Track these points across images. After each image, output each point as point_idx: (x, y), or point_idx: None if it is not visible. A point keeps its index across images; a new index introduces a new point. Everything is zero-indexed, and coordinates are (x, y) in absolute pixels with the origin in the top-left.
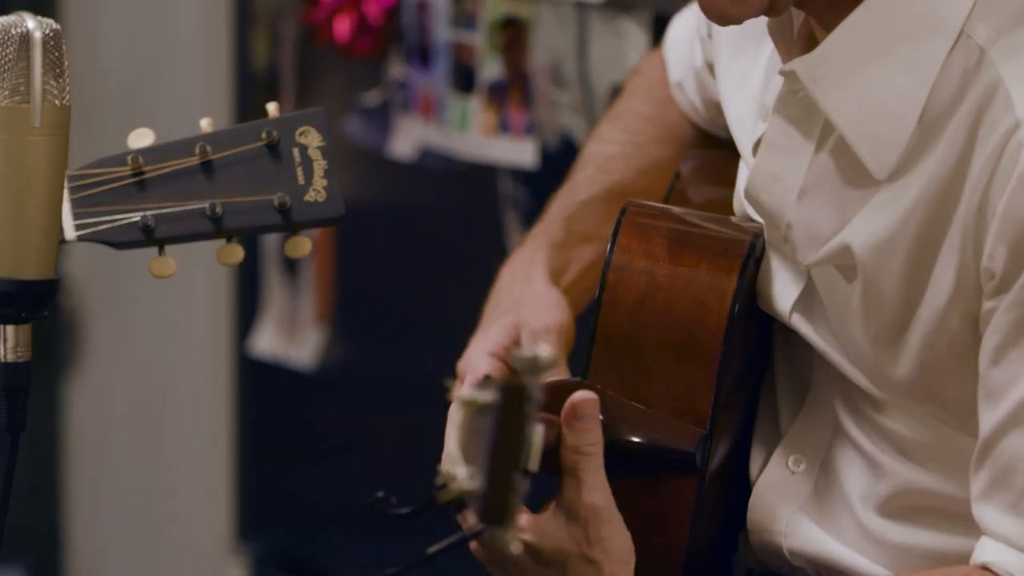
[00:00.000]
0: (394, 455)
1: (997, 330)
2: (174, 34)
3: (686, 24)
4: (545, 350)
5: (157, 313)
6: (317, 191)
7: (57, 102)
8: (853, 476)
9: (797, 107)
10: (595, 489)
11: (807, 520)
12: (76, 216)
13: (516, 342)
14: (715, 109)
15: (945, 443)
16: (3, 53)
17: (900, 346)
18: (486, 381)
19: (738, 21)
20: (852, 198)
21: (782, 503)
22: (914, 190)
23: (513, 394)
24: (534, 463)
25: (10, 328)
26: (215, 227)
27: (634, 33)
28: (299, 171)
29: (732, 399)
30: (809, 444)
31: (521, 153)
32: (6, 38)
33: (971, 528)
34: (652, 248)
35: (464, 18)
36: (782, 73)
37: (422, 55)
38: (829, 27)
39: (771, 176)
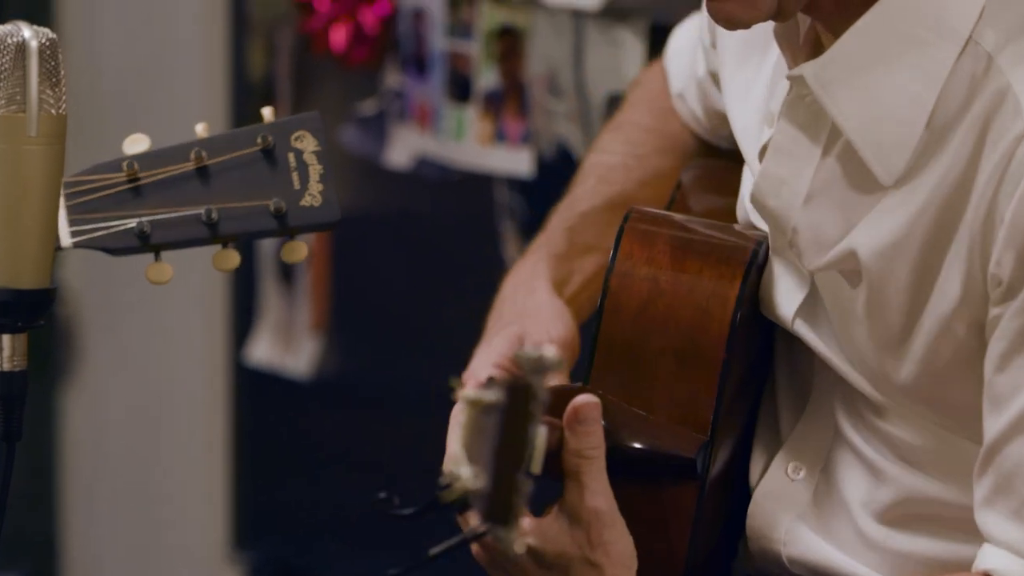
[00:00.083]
0: (390, 463)
1: (1003, 337)
2: (171, 43)
3: (687, 35)
4: (551, 350)
5: (153, 322)
6: (313, 196)
7: (53, 111)
8: (853, 483)
9: (804, 112)
10: (597, 493)
11: (806, 528)
12: (72, 223)
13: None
14: (717, 119)
15: (947, 448)
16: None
17: (904, 351)
18: (490, 382)
19: (746, 25)
20: (858, 203)
21: (781, 511)
22: (921, 196)
23: (519, 393)
24: (537, 465)
25: (6, 337)
26: (211, 233)
27: (630, 42)
28: (295, 176)
29: (734, 406)
30: (809, 451)
31: (517, 162)
32: (2, 47)
33: (972, 535)
34: (655, 255)
35: (460, 27)
36: (789, 78)
37: (418, 64)
38: (836, 32)
39: (778, 180)
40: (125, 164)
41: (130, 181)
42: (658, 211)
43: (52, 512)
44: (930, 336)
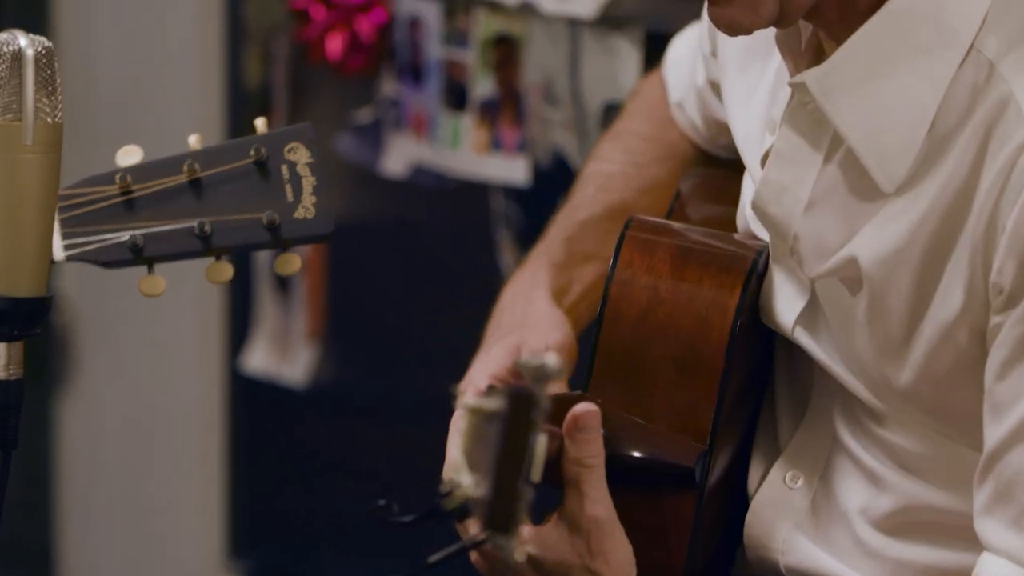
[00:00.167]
0: (386, 472)
1: (1004, 345)
2: (167, 51)
3: (686, 44)
4: (552, 359)
5: (149, 330)
6: (306, 208)
7: (49, 120)
8: (852, 491)
9: (806, 119)
10: (597, 501)
11: (803, 537)
12: (64, 236)
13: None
14: (716, 128)
15: (946, 455)
16: None
17: (904, 358)
18: (491, 390)
19: (747, 31)
20: (860, 210)
21: (779, 519)
22: (923, 204)
23: (521, 402)
24: (537, 473)
25: (2, 345)
26: (204, 246)
27: (626, 51)
28: (288, 188)
29: (733, 414)
30: (807, 459)
31: (513, 170)
32: None
33: (972, 543)
34: (655, 263)
35: (456, 35)
36: (791, 85)
37: (414, 73)
38: (839, 39)
39: (779, 187)
40: (118, 177)
41: (123, 194)
42: (658, 220)
43: (48, 520)
44: (931, 343)
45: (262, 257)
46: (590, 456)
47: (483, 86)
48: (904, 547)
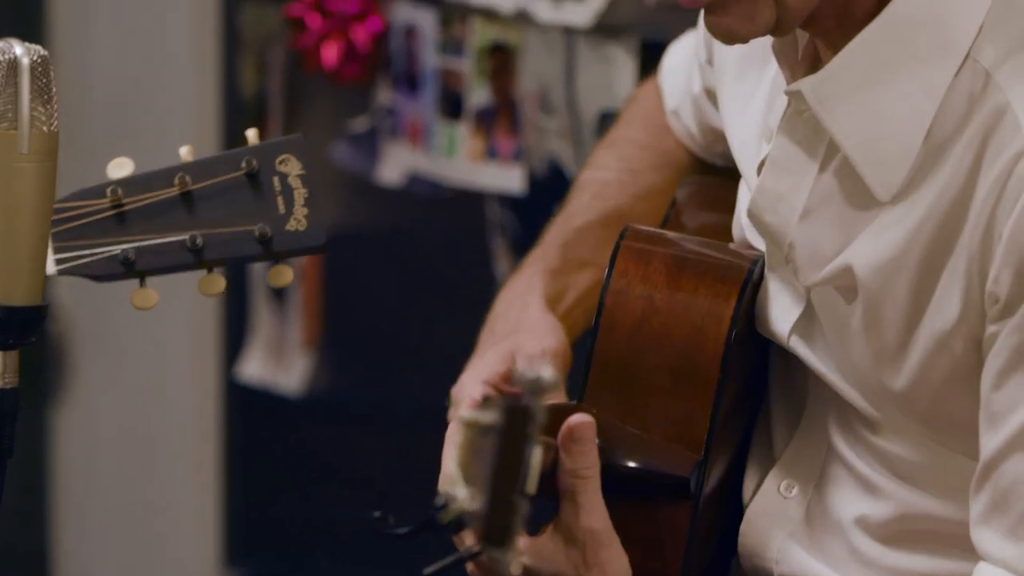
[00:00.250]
0: (382, 480)
1: (1000, 354)
2: (162, 60)
3: (682, 52)
4: (548, 371)
5: (144, 339)
6: (298, 220)
7: (45, 128)
8: (847, 500)
9: (802, 127)
10: (593, 512)
11: (798, 547)
12: (56, 250)
13: (512, 368)
14: (712, 136)
15: (942, 464)
16: None
17: (900, 367)
18: (487, 402)
19: (744, 40)
20: (855, 219)
21: (773, 529)
22: (918, 212)
23: (516, 415)
24: (532, 485)
25: None
26: (196, 259)
27: (622, 59)
28: (279, 200)
29: (728, 424)
30: (802, 468)
31: (509, 179)
32: None
33: (967, 552)
34: (650, 273)
35: (452, 44)
36: (787, 93)
37: (410, 81)
38: (835, 48)
39: (775, 196)
40: (109, 190)
41: (114, 207)
42: (654, 229)
43: (44, 529)
44: (926, 352)
45: (258, 266)
46: (585, 467)
47: (479, 95)
48: (899, 556)
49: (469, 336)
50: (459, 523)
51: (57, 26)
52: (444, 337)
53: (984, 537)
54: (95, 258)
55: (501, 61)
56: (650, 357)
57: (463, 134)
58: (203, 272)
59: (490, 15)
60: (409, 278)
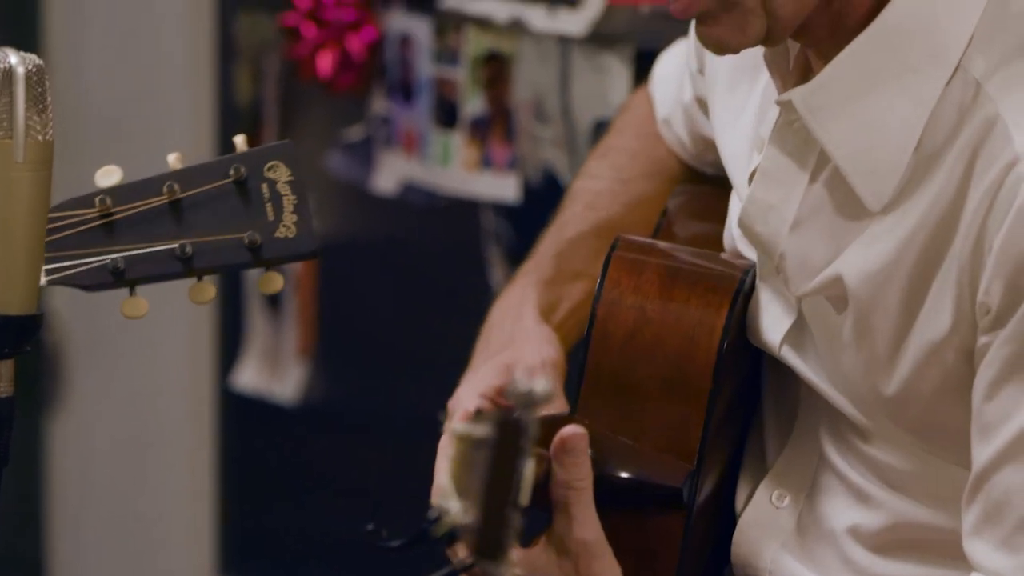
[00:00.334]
0: (377, 489)
1: (991, 365)
2: (157, 68)
3: (674, 60)
4: (541, 384)
5: (139, 347)
6: (287, 227)
7: (40, 137)
8: (839, 510)
9: (792, 137)
10: (585, 524)
11: (790, 557)
12: (46, 261)
13: (508, 382)
14: (703, 145)
15: (933, 473)
16: None
17: (890, 377)
18: (479, 415)
19: (735, 50)
20: (846, 229)
21: (766, 539)
22: (909, 223)
23: (509, 429)
24: (525, 497)
25: None
26: (185, 267)
27: (616, 68)
28: (268, 207)
29: (721, 433)
30: (793, 478)
31: (503, 188)
32: None
33: (960, 561)
34: (642, 283)
35: (447, 53)
36: (778, 103)
37: (405, 90)
38: (826, 58)
39: (765, 206)
40: (97, 200)
41: (102, 217)
42: (645, 239)
43: (39, 537)
44: (917, 362)
45: (252, 275)
46: (578, 479)
47: (473, 104)
48: (892, 565)
49: (464, 345)
50: (452, 536)
51: (52, 35)
52: (439, 346)
53: (977, 548)
54: (84, 268)
55: (496, 70)
56: (642, 367)
57: (458, 143)
58: (193, 280)
59: (485, 24)
60: (404, 287)
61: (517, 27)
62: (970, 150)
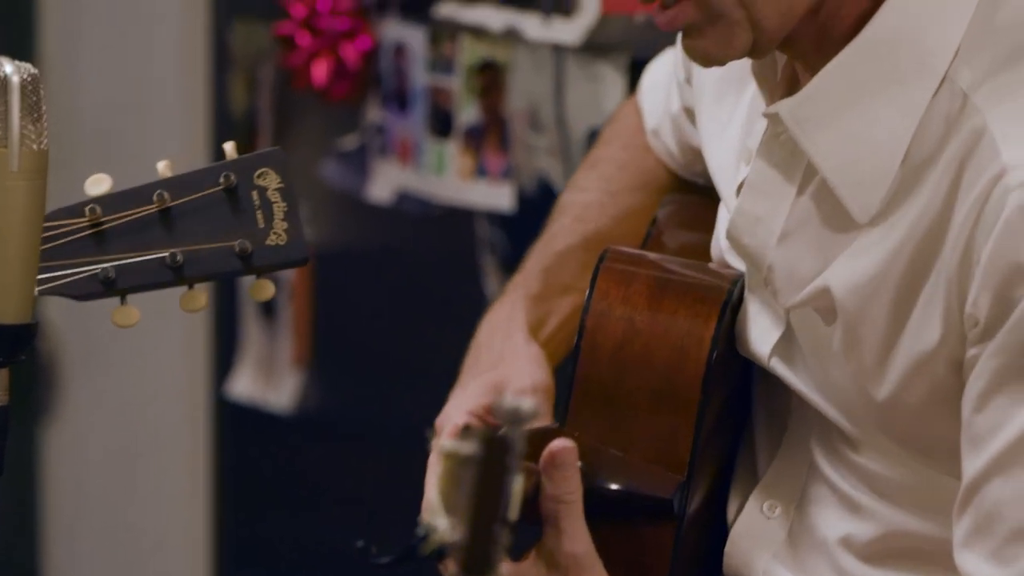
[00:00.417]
0: (372, 498)
1: (981, 376)
2: (152, 77)
3: (662, 70)
4: (527, 402)
5: (134, 357)
6: (278, 234)
7: (35, 146)
8: (830, 519)
9: (780, 150)
10: (575, 538)
11: (782, 567)
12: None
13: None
14: (692, 154)
15: (924, 483)
16: None
17: (879, 388)
18: (467, 431)
19: (721, 62)
20: (833, 241)
21: (757, 550)
22: (897, 235)
23: (495, 447)
24: (514, 512)
25: None
26: (176, 276)
27: (611, 77)
28: (259, 215)
29: (712, 444)
30: (784, 488)
31: (498, 197)
32: None
33: (951, 570)
34: (631, 294)
35: (441, 62)
36: (766, 115)
37: (399, 99)
38: (813, 69)
39: (753, 218)
40: (87, 209)
41: (92, 226)
42: (634, 250)
43: (34, 546)
44: (905, 373)
45: (246, 283)
46: (567, 492)
47: (468, 112)
48: (884, 575)
49: (459, 354)
50: (440, 553)
51: (47, 44)
52: (434, 355)
53: (968, 560)
54: (75, 278)
55: (490, 79)
56: (632, 379)
57: (452, 152)
58: (184, 288)
59: (479, 33)
60: (399, 296)
61: (512, 36)
62: (957, 162)
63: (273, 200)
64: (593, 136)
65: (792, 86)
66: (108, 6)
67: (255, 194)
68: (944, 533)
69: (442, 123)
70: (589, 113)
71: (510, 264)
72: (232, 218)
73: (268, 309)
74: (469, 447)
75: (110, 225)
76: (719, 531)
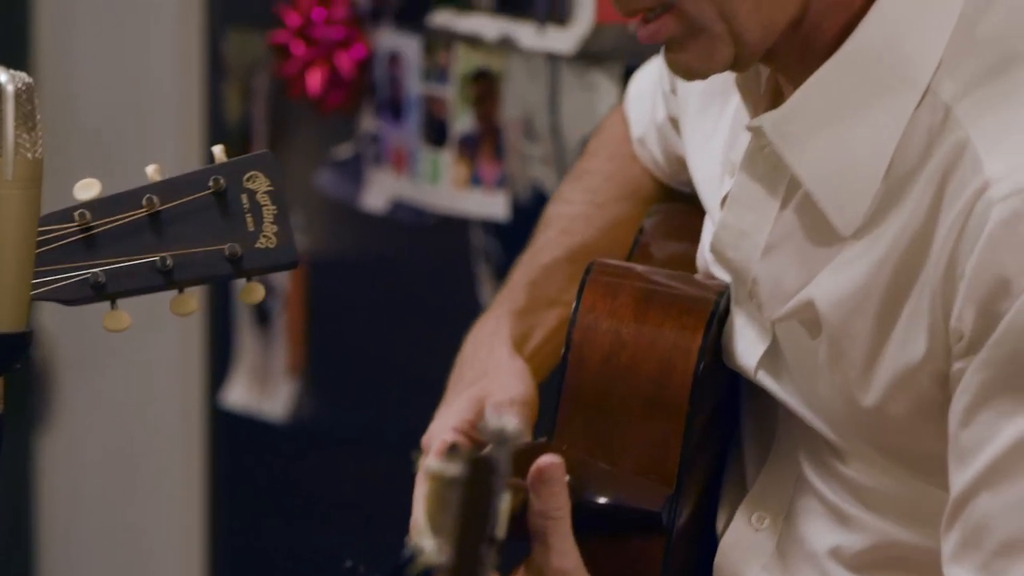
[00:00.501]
0: (367, 507)
1: (967, 391)
2: (147, 86)
3: (647, 79)
4: (511, 422)
5: (129, 365)
6: (268, 237)
7: (29, 155)
8: (818, 530)
9: (763, 163)
10: (564, 553)
11: None
12: None
13: (480, 416)
14: (678, 164)
15: (912, 494)
16: None
17: (864, 400)
18: (452, 451)
19: (704, 76)
20: (817, 254)
21: (746, 562)
22: (880, 248)
23: (480, 468)
24: (501, 530)
25: None
26: (166, 280)
27: (605, 86)
28: (248, 218)
29: (700, 456)
30: (772, 500)
31: (493, 206)
32: None
33: None
34: (617, 307)
35: (436, 71)
36: (749, 129)
37: (394, 108)
38: (796, 82)
39: (737, 232)
40: (76, 214)
41: (82, 231)
42: (620, 263)
43: (30, 554)
44: (891, 387)
45: (239, 289)
46: (555, 508)
47: (463, 121)
48: None
49: (453, 363)
50: (427, 575)
51: (41, 53)
52: (429, 363)
53: (957, 575)
54: (65, 282)
55: (485, 88)
56: (619, 391)
57: (447, 161)
58: (175, 292)
59: (474, 42)
60: (394, 304)
61: (506, 45)
62: (940, 175)
63: (263, 203)
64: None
65: (776, 98)
66: (103, 15)
67: (244, 197)
68: (933, 543)
69: (436, 132)
70: (584, 122)
71: (504, 273)
72: (222, 221)
73: (262, 318)
74: (454, 468)
75: (100, 230)
76: (708, 543)
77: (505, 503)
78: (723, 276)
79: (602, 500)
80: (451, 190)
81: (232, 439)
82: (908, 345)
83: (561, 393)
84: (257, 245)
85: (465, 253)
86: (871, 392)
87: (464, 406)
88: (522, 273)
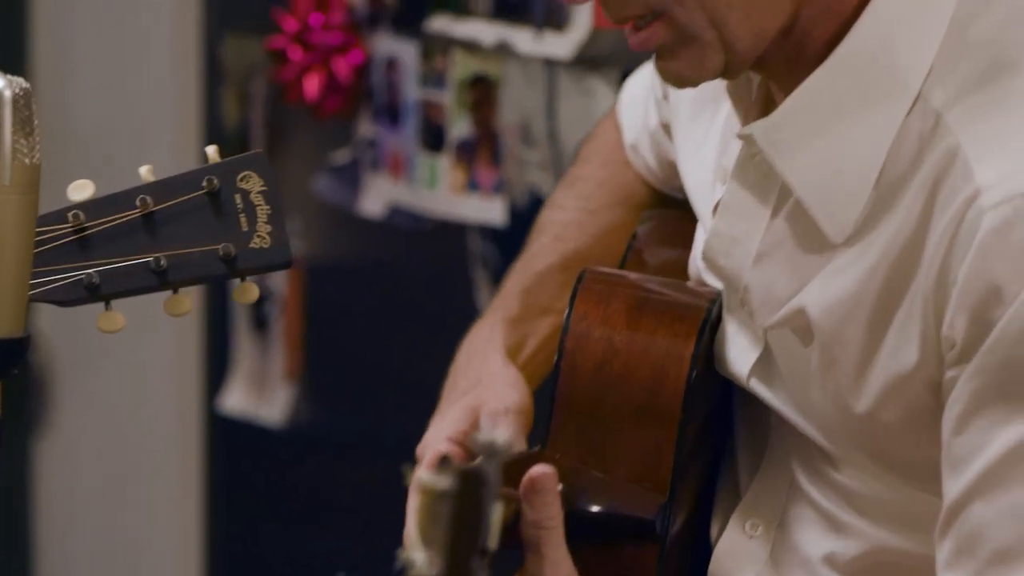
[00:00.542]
0: (365, 512)
1: (959, 399)
2: (144, 92)
3: (640, 84)
4: (502, 434)
5: (126, 370)
6: (262, 237)
7: (27, 161)
8: (813, 538)
9: (754, 171)
10: (558, 563)
11: None
12: None
13: (474, 426)
14: (671, 169)
15: (906, 500)
16: None
17: (856, 408)
18: (443, 464)
19: (694, 84)
20: (809, 262)
21: (740, 569)
22: (871, 255)
23: (470, 481)
24: (494, 541)
25: None
26: (160, 281)
27: (603, 91)
28: (242, 218)
29: (694, 463)
30: (765, 507)
31: (490, 211)
32: None
33: None
34: (609, 315)
35: (433, 77)
36: (740, 136)
37: (391, 113)
38: (787, 90)
39: (729, 240)
40: (70, 215)
41: (76, 232)
42: (612, 271)
43: (26, 559)
44: (883, 394)
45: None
46: (548, 518)
47: (460, 127)
48: None
49: (450, 367)
50: None
51: (38, 59)
52: (426, 368)
53: None
54: (59, 284)
55: (482, 93)
56: (612, 399)
57: (444, 166)
58: (169, 293)
59: (471, 47)
60: (391, 309)
61: (503, 50)
62: (931, 182)
63: (256, 203)
64: None
65: (767, 106)
66: (100, 20)
67: (238, 197)
68: (926, 550)
69: (434, 137)
70: (581, 127)
71: (501, 278)
72: (215, 222)
73: (260, 323)
74: (444, 481)
75: (94, 230)
76: (702, 551)
77: (497, 514)
78: (715, 283)
79: (595, 508)
80: (448, 195)
81: (229, 444)
82: (900, 352)
83: (554, 401)
84: (251, 245)
85: (462, 258)
86: (863, 399)
87: (458, 415)
88: (516, 280)
